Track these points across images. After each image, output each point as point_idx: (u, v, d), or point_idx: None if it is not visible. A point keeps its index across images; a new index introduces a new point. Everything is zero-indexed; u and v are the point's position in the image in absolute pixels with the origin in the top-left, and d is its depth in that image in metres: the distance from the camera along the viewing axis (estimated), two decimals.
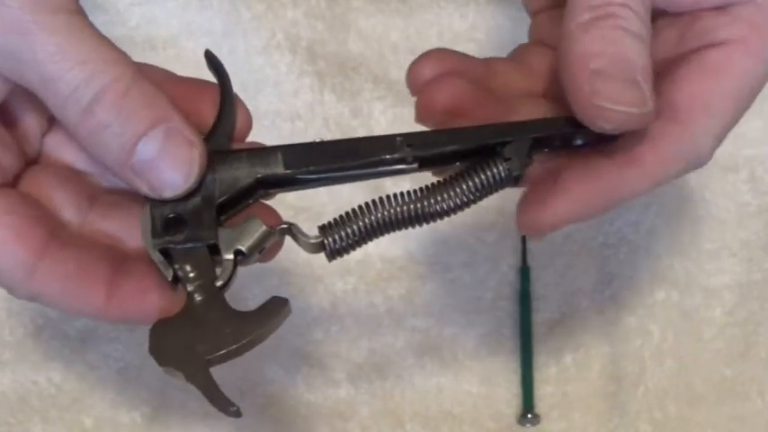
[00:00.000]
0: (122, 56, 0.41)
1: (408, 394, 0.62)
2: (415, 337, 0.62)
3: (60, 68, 0.40)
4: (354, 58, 0.66)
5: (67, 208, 0.43)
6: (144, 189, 0.41)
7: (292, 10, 0.65)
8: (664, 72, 0.45)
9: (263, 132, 0.64)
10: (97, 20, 0.64)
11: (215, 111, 0.44)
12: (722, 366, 0.62)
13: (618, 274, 0.64)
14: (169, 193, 0.41)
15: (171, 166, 0.41)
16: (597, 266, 0.64)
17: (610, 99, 0.41)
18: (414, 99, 0.44)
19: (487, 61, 0.48)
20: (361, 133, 0.65)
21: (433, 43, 0.66)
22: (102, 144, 0.41)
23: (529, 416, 0.61)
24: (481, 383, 0.62)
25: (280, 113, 0.65)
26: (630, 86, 0.41)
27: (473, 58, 0.48)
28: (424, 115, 0.46)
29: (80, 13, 0.41)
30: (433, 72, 0.46)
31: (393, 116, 0.65)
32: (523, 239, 0.64)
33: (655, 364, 0.62)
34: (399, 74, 0.66)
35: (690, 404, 0.62)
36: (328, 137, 0.64)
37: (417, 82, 0.46)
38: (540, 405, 0.62)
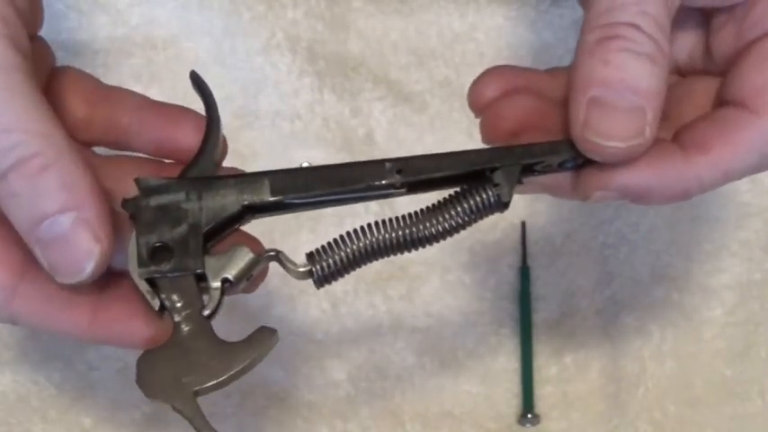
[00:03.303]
0: (54, 130, 0.40)
1: (408, 394, 0.62)
2: (415, 337, 0.62)
3: None
4: (354, 58, 0.66)
5: None
6: (42, 262, 0.41)
7: (292, 10, 0.65)
8: (730, 67, 0.44)
9: (264, 132, 0.64)
10: (97, 20, 0.65)
11: (192, 136, 0.44)
12: (722, 366, 0.62)
13: (618, 274, 0.64)
14: (61, 279, 0.41)
15: (69, 256, 0.40)
16: (597, 266, 0.64)
17: (600, 133, 0.40)
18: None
19: (552, 72, 0.47)
20: (360, 133, 0.65)
21: (434, 43, 0.66)
22: (11, 210, 0.40)
23: (529, 416, 0.61)
24: (481, 383, 0.62)
25: (280, 113, 0.65)
26: (628, 116, 0.40)
27: (535, 70, 0.47)
28: (490, 136, 0.45)
29: (25, 72, 0.40)
30: (495, 91, 0.45)
31: (393, 116, 0.65)
32: (523, 239, 0.64)
33: (655, 364, 0.62)
34: (399, 74, 0.66)
35: (690, 404, 0.62)
36: (328, 137, 0.64)
37: (479, 102, 0.45)
38: (540, 405, 0.62)
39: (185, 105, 0.46)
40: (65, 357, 0.61)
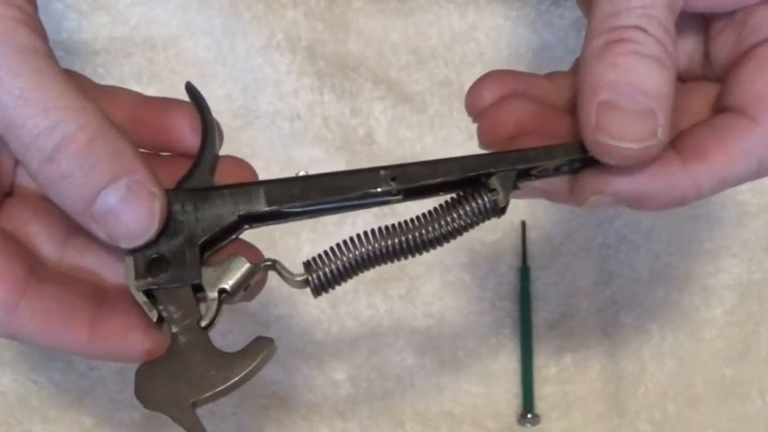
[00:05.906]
0: (88, 104, 0.40)
1: (408, 394, 0.62)
2: (415, 337, 0.62)
3: (23, 114, 0.39)
4: (354, 58, 0.66)
5: (45, 243, 0.43)
6: (102, 236, 0.41)
7: (292, 10, 0.65)
8: (728, 73, 0.44)
9: (264, 132, 0.64)
10: (98, 20, 0.65)
11: (186, 126, 0.44)
12: (722, 366, 0.62)
13: (617, 274, 0.64)
14: (127, 244, 0.41)
15: (131, 218, 0.40)
16: (597, 266, 0.64)
17: (614, 135, 0.40)
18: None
19: (550, 76, 0.47)
20: (360, 133, 0.65)
21: (434, 43, 0.66)
22: (63, 192, 0.40)
23: (529, 416, 0.61)
24: (481, 383, 0.62)
25: (280, 113, 0.65)
26: (640, 118, 0.40)
27: (534, 75, 0.47)
28: (488, 141, 0.45)
29: (48, 55, 0.40)
30: (493, 95, 0.45)
31: (393, 116, 0.65)
32: (523, 240, 0.64)
33: (655, 364, 0.62)
34: (399, 74, 0.66)
35: (690, 404, 0.62)
36: (328, 137, 0.64)
37: (477, 107, 0.45)
38: (540, 405, 0.62)
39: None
40: (65, 357, 0.61)
